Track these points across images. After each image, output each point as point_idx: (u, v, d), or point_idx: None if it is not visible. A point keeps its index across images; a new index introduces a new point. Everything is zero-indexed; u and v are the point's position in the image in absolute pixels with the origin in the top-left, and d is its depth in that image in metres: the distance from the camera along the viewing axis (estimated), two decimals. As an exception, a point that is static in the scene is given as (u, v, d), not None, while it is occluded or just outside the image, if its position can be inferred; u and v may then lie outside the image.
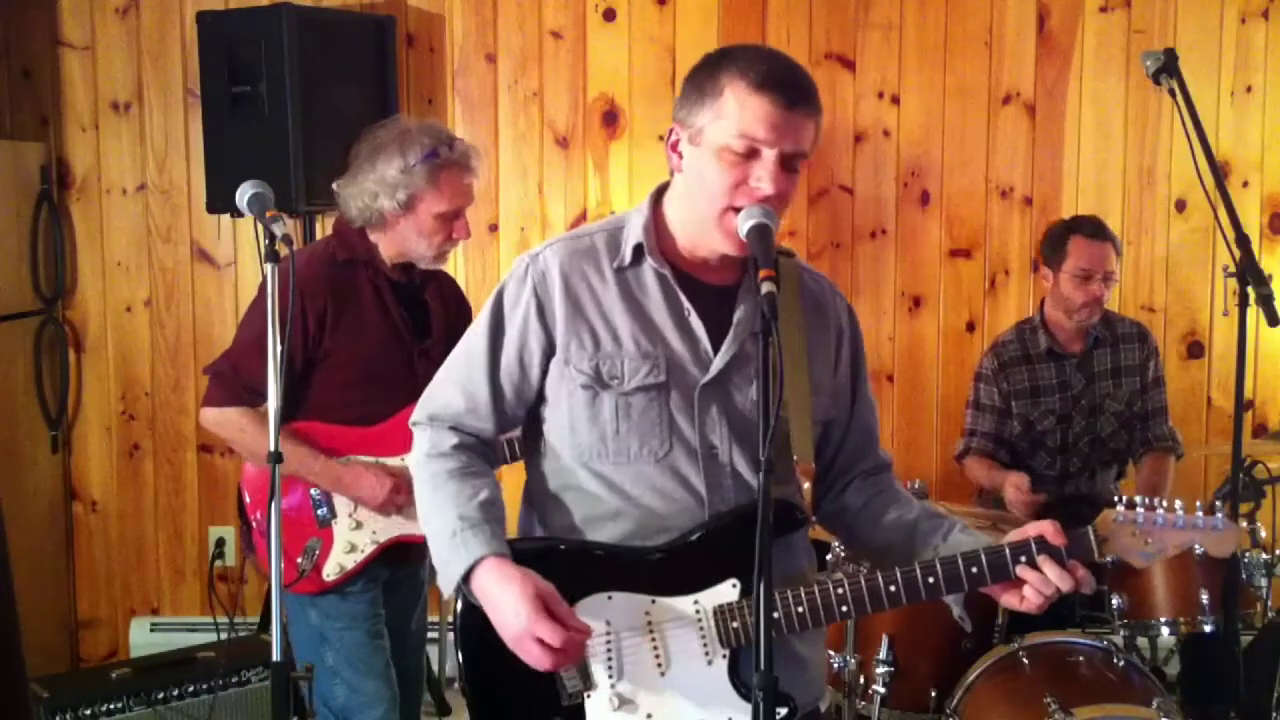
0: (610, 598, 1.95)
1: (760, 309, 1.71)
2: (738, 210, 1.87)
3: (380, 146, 2.94)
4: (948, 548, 1.99)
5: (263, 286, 2.95)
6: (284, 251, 2.42)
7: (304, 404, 2.96)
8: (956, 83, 4.36)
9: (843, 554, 3.16)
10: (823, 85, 4.25)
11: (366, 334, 2.97)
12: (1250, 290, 2.78)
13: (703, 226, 1.94)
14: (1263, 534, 3.28)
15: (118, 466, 4.58)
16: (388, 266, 3.02)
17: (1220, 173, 2.95)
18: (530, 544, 2.04)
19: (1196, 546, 3.14)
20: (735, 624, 1.94)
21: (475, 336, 2.05)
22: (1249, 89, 4.30)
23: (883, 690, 3.17)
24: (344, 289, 2.97)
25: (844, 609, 1.94)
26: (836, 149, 4.37)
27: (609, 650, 1.95)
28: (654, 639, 1.95)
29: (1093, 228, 3.82)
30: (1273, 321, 2.74)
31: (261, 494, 2.96)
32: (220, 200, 3.95)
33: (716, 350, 1.98)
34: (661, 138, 2.03)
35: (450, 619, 3.14)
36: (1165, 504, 1.99)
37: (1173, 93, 2.94)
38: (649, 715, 1.95)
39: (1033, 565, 1.91)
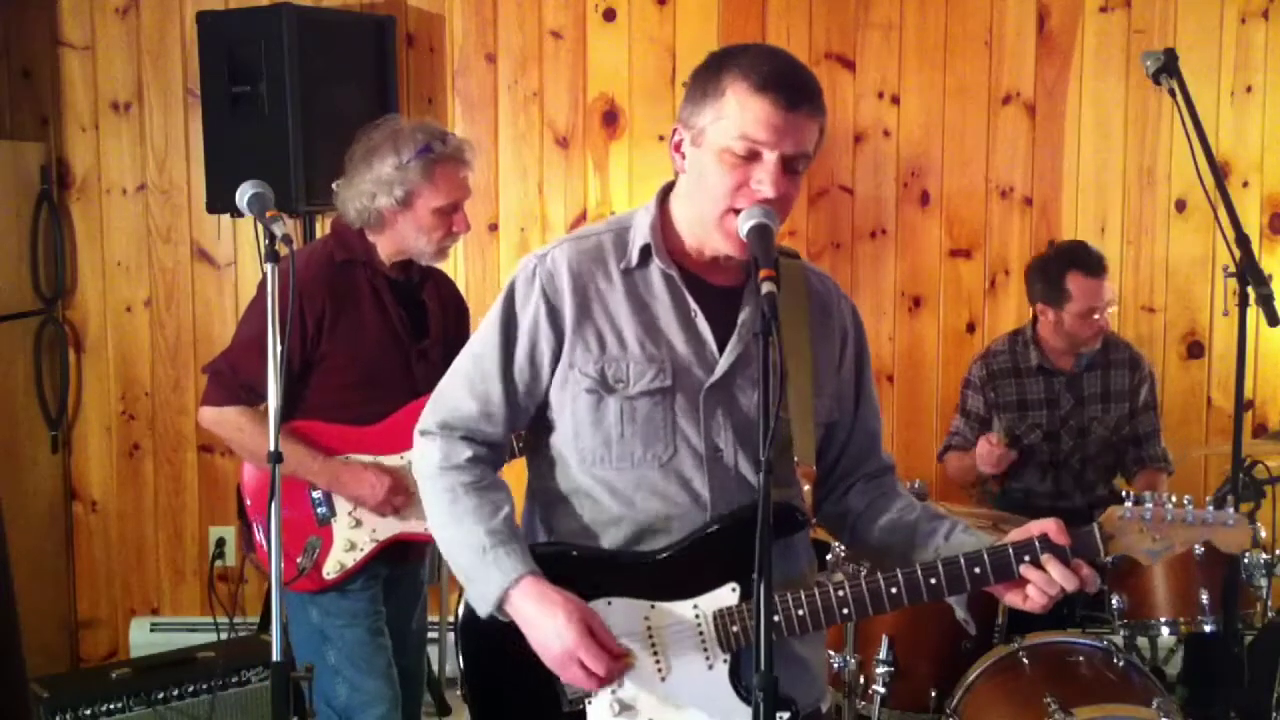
0: (610, 603, 1.94)
1: (760, 309, 1.70)
2: (739, 212, 1.86)
3: (374, 147, 2.95)
4: (949, 548, 1.97)
5: (262, 286, 2.96)
6: (284, 251, 2.42)
7: (302, 404, 2.96)
8: (956, 83, 4.36)
9: (843, 554, 3.17)
10: (823, 85, 4.27)
11: (364, 335, 2.97)
12: (1250, 290, 2.78)
13: (705, 226, 1.93)
14: (1263, 534, 3.28)
15: (118, 466, 4.58)
16: (386, 266, 3.02)
17: (1220, 173, 2.95)
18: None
19: (1197, 547, 3.19)
20: (735, 628, 1.93)
21: (485, 339, 2.01)
22: (1249, 89, 4.30)
23: (883, 690, 3.18)
24: (342, 289, 2.97)
25: (845, 611, 1.92)
26: (836, 149, 4.37)
27: None
28: (654, 644, 1.95)
29: (1089, 262, 3.76)
30: (1273, 321, 2.74)
31: (261, 494, 2.96)
32: (220, 200, 3.95)
33: (722, 352, 1.97)
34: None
35: (450, 619, 3.14)
36: (1174, 499, 1.96)
37: (1173, 93, 2.94)
38: None
39: (1036, 564, 1.89)
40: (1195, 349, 4.40)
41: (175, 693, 3.42)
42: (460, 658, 2.04)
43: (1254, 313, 2.80)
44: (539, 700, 1.97)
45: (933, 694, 3.20)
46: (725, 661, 1.94)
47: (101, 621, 4.63)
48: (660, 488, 1.96)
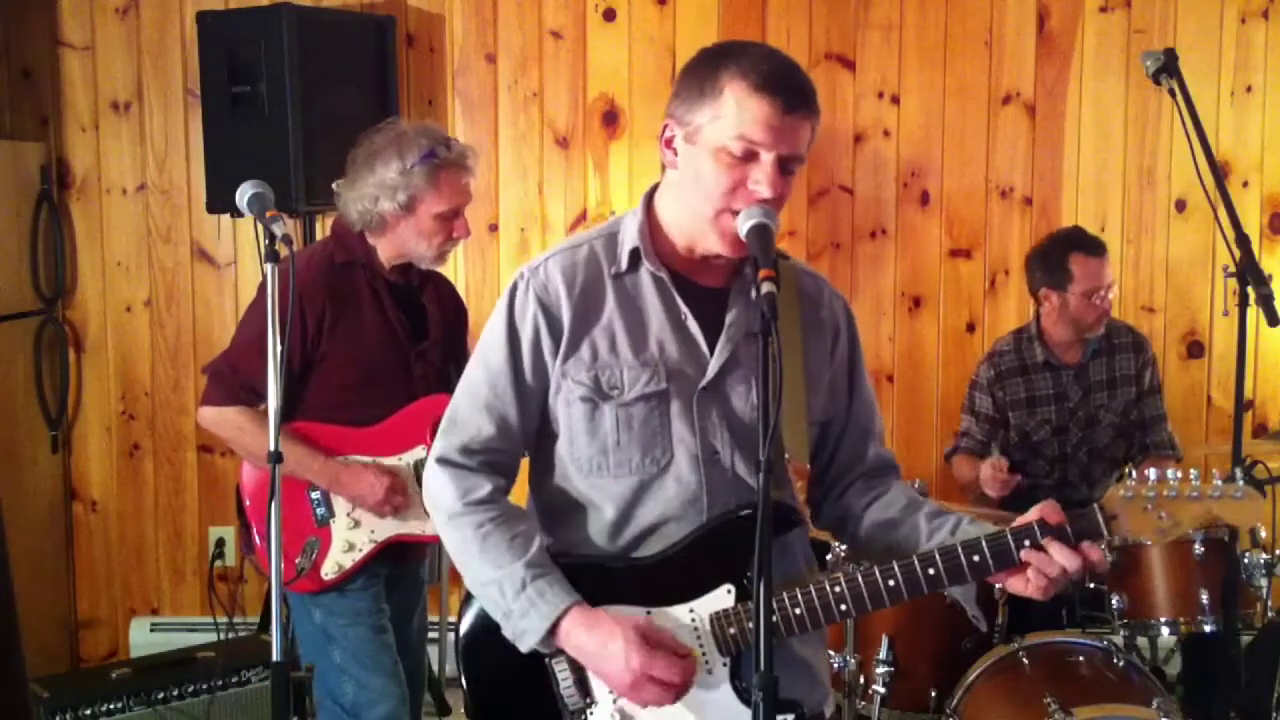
0: (605, 611, 1.93)
1: (760, 309, 1.69)
2: (735, 213, 1.85)
3: (377, 150, 2.95)
4: (953, 542, 1.93)
5: (262, 287, 2.96)
6: (284, 252, 2.42)
7: (301, 405, 2.96)
8: (956, 83, 4.36)
9: (844, 554, 3.16)
10: (823, 85, 4.27)
11: (364, 336, 2.97)
12: (1250, 290, 2.78)
13: (698, 225, 1.92)
14: (1263, 534, 3.28)
15: (118, 466, 4.58)
16: (385, 269, 3.03)
17: (1220, 173, 2.95)
18: None
19: (1197, 547, 3.19)
20: (733, 630, 1.91)
21: (492, 359, 1.98)
22: (1249, 89, 4.30)
23: (883, 690, 3.17)
24: (342, 291, 2.97)
25: (843, 608, 1.90)
26: (836, 149, 4.37)
27: None
28: None
29: (1089, 243, 3.82)
30: (1273, 321, 2.74)
31: (260, 494, 2.96)
32: (220, 200, 3.94)
33: (712, 354, 1.96)
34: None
35: (451, 619, 3.13)
36: (1178, 474, 1.85)
37: (1173, 93, 2.94)
38: None
39: (1037, 547, 1.85)
40: (1195, 349, 4.40)
41: (175, 693, 3.43)
42: (463, 678, 2.04)
43: (1254, 313, 2.80)
44: (540, 713, 1.96)
45: (933, 694, 3.20)
46: (725, 665, 1.93)
47: (101, 621, 4.63)
48: (659, 493, 1.95)
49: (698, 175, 1.89)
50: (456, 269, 4.41)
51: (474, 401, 1.99)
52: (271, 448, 2.37)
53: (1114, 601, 3.29)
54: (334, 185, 3.06)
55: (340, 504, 2.97)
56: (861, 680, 3.21)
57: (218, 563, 4.51)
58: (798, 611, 1.91)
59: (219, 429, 3.00)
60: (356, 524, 2.97)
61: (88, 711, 3.34)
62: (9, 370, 4.31)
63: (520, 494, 2.09)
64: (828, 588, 1.91)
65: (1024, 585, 1.88)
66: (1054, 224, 4.32)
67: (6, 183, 4.28)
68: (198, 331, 4.52)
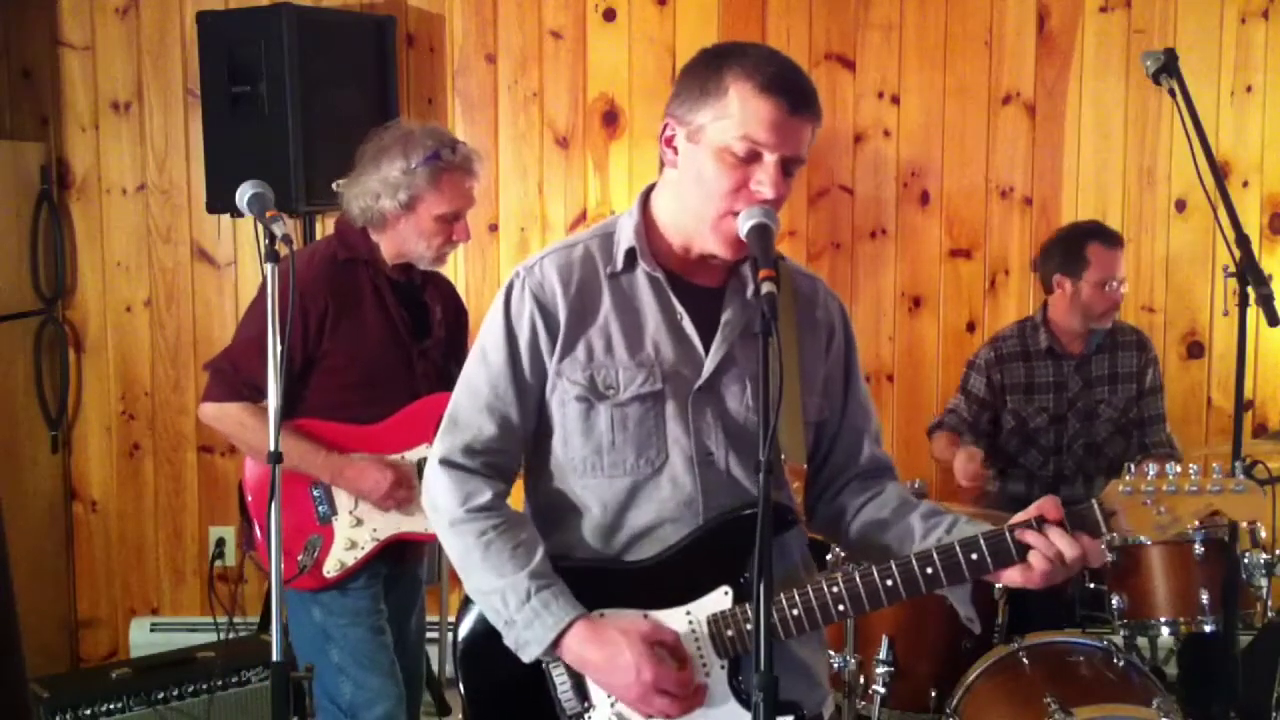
0: (602, 615, 1.93)
1: (760, 309, 1.69)
2: (736, 214, 1.85)
3: (384, 148, 2.97)
4: (949, 540, 1.92)
5: (264, 285, 2.96)
6: (284, 251, 2.42)
7: (303, 404, 2.96)
8: (956, 83, 4.36)
9: (843, 555, 3.16)
10: (823, 85, 4.28)
11: (366, 334, 2.98)
12: (1250, 290, 2.77)
13: (697, 225, 1.92)
14: (1263, 534, 3.28)
15: (118, 466, 4.58)
16: (388, 266, 3.03)
17: (1220, 173, 2.95)
18: None
19: (1198, 547, 3.19)
20: (730, 632, 1.91)
21: (490, 357, 1.98)
22: (1249, 89, 4.30)
23: (883, 690, 3.17)
24: (344, 289, 2.97)
25: (840, 608, 1.89)
26: (836, 149, 4.37)
27: None
28: None
29: (1108, 234, 3.86)
30: (1273, 321, 2.73)
31: (262, 490, 2.96)
32: (220, 200, 3.95)
33: (707, 354, 1.96)
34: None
35: (451, 619, 3.14)
36: (1177, 469, 1.83)
37: (1173, 93, 2.94)
38: None
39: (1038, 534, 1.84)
40: (1195, 349, 4.40)
41: (175, 693, 3.43)
42: (461, 682, 2.04)
43: (1254, 313, 2.80)
44: (539, 718, 1.96)
45: (933, 694, 3.20)
46: (722, 667, 1.92)
47: (101, 621, 4.63)
48: (653, 494, 1.95)
49: (699, 175, 1.89)
50: (456, 269, 4.41)
51: (475, 401, 1.98)
52: (271, 448, 2.36)
53: (1114, 601, 3.29)
54: (335, 185, 3.06)
55: (342, 502, 2.97)
56: (861, 680, 3.21)
57: (218, 563, 4.51)
58: (795, 612, 1.90)
59: (221, 425, 3.00)
60: (359, 522, 2.97)
61: (88, 711, 3.34)
62: (9, 370, 4.31)
63: (517, 495, 2.09)
64: (825, 588, 1.90)
65: (1020, 575, 1.85)
66: (1054, 224, 4.31)
67: (6, 183, 4.28)
68: (198, 331, 4.52)
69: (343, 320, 2.95)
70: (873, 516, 2.06)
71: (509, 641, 1.92)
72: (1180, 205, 4.35)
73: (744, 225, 1.83)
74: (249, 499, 3.02)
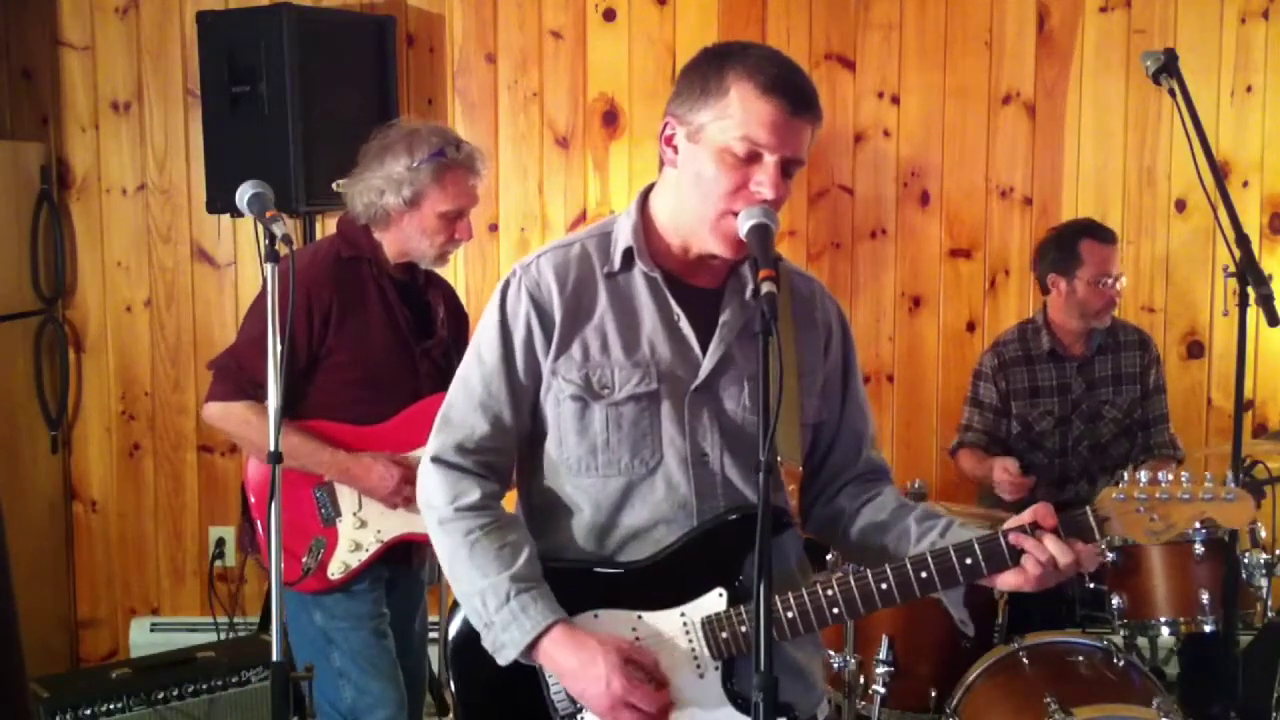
0: (596, 616, 1.93)
1: (760, 309, 1.69)
2: (736, 214, 1.85)
3: (389, 145, 2.98)
4: (944, 544, 1.92)
5: (266, 284, 2.96)
6: (284, 251, 2.42)
7: (307, 402, 2.96)
8: (956, 83, 4.36)
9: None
10: (823, 85, 4.27)
11: (370, 332, 2.98)
12: (1250, 290, 2.78)
13: (697, 225, 1.92)
14: (1263, 534, 3.28)
15: (118, 466, 4.58)
16: (391, 265, 3.03)
17: (1220, 173, 2.95)
18: None
19: (1197, 547, 3.19)
20: (725, 634, 1.91)
21: (484, 354, 1.98)
22: (1249, 89, 4.30)
23: (883, 690, 3.17)
24: (349, 286, 2.98)
25: (835, 611, 1.90)
26: (836, 149, 4.37)
27: None
28: None
29: (1102, 231, 3.86)
30: (1273, 321, 2.74)
31: (265, 493, 2.95)
32: (220, 200, 3.95)
33: (704, 355, 1.96)
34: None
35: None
36: (1169, 476, 1.86)
37: (1173, 93, 2.94)
38: None
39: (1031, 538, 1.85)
40: (1195, 349, 4.40)
41: (175, 693, 3.42)
42: (451, 681, 2.04)
43: (1254, 313, 2.80)
44: (532, 716, 1.96)
45: (933, 694, 3.20)
46: (716, 669, 1.92)
47: (101, 621, 4.63)
48: (647, 495, 1.95)
49: (699, 174, 1.88)
50: (456, 269, 4.41)
51: (469, 400, 1.98)
52: (272, 448, 2.36)
53: (1114, 601, 3.30)
54: (335, 185, 3.06)
55: (346, 503, 2.97)
56: (861, 680, 3.21)
57: (218, 563, 4.51)
58: (791, 615, 1.90)
59: (225, 424, 2.99)
60: (363, 524, 2.97)
61: (88, 711, 3.34)
62: (9, 370, 4.31)
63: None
64: (820, 592, 1.90)
65: (1014, 578, 1.86)
66: (1054, 224, 4.31)
67: (6, 183, 4.27)
68: (198, 331, 4.51)
69: (347, 317, 2.95)
70: (869, 519, 2.06)
71: (486, 643, 1.92)
72: (1180, 205, 4.35)
73: (744, 225, 1.83)
74: (251, 500, 3.02)
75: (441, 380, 2.98)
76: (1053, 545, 1.84)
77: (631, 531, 1.96)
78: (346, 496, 2.97)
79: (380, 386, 2.98)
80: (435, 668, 4.19)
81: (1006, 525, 1.89)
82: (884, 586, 1.88)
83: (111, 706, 3.36)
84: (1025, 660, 3.04)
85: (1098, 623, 3.45)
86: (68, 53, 4.46)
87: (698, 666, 1.93)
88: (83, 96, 4.47)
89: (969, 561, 1.86)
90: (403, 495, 2.93)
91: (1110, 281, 3.81)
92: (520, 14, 4.39)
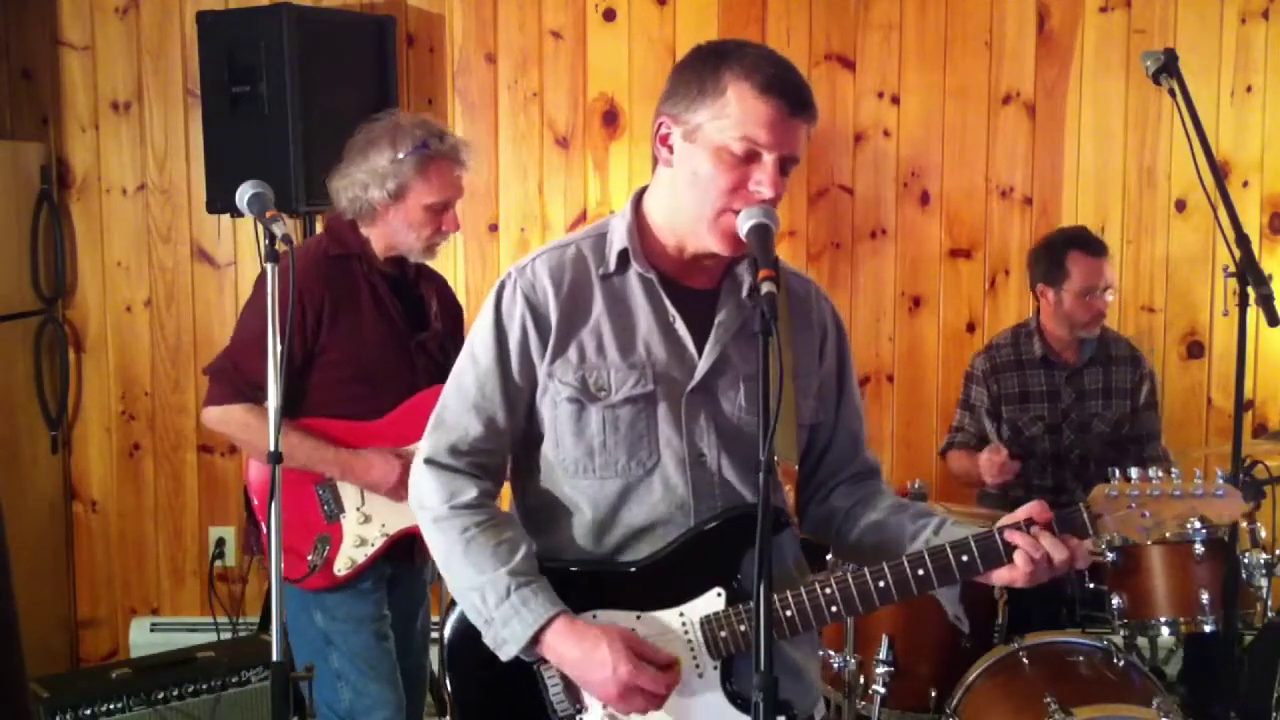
0: (595, 617, 1.93)
1: (760, 309, 1.69)
2: (735, 212, 1.85)
3: (373, 139, 2.97)
4: (939, 541, 1.93)
5: (259, 283, 2.96)
6: (284, 251, 2.42)
7: (304, 400, 2.96)
8: (956, 83, 4.36)
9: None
10: (823, 85, 4.28)
11: (364, 326, 2.98)
12: (1250, 290, 2.78)
13: (694, 224, 1.92)
14: (1263, 534, 3.28)
15: (118, 466, 4.58)
16: (380, 261, 3.03)
17: (1220, 173, 2.95)
18: None
19: (1197, 546, 3.19)
20: (724, 633, 1.91)
21: (478, 356, 1.98)
22: (1249, 89, 4.30)
23: (883, 690, 3.18)
24: (339, 283, 2.98)
25: (834, 609, 1.90)
26: (836, 149, 4.37)
27: None
28: None
29: (1090, 242, 3.84)
30: (1273, 321, 2.74)
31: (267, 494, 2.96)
32: (220, 200, 3.95)
33: (700, 356, 1.96)
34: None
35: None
36: (1160, 474, 1.90)
37: (1173, 93, 2.94)
38: None
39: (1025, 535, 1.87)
40: (1195, 349, 4.40)
41: (175, 693, 3.42)
42: (448, 682, 2.04)
43: (1254, 313, 2.80)
44: (529, 716, 1.96)
45: (933, 694, 3.20)
46: (715, 669, 1.92)
47: (101, 621, 4.63)
48: (644, 496, 1.95)
49: (696, 173, 1.89)
50: (456, 269, 4.42)
51: (462, 401, 1.98)
52: (271, 448, 2.36)
53: (1114, 601, 3.29)
54: (327, 180, 3.07)
55: (349, 499, 2.97)
56: (861, 680, 3.21)
57: (218, 563, 4.51)
58: (789, 614, 1.90)
59: (225, 427, 2.99)
60: (367, 519, 2.96)
61: (88, 711, 3.34)
62: (9, 370, 4.31)
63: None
64: (819, 589, 1.90)
65: (1009, 574, 1.88)
66: (1054, 224, 4.32)
67: (6, 183, 4.27)
68: (198, 331, 4.52)
69: (340, 314, 2.95)
70: (864, 519, 2.06)
71: (487, 639, 1.92)
72: (1180, 205, 4.35)
73: (744, 225, 1.83)
74: (255, 502, 3.02)
75: (438, 373, 2.99)
76: (1047, 541, 1.86)
77: (629, 532, 1.96)
78: (349, 492, 2.97)
79: (376, 382, 2.98)
80: (434, 667, 4.19)
81: (1001, 522, 1.90)
82: (881, 584, 1.89)
83: (111, 706, 3.36)
84: (1025, 660, 3.04)
85: (1098, 623, 3.45)
86: (68, 53, 4.46)
87: (696, 666, 1.93)
88: (83, 96, 4.47)
89: (965, 559, 1.87)
90: (405, 489, 2.92)
91: (1098, 294, 3.79)
92: (520, 14, 4.39)
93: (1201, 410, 4.42)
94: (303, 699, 2.99)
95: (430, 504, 1.98)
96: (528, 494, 2.04)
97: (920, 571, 1.88)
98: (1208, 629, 3.22)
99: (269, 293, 2.37)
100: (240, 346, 2.97)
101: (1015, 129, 4.37)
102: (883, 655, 3.17)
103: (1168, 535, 3.19)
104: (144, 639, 4.50)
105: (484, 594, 1.90)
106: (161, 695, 3.41)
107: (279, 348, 2.36)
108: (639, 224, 2.00)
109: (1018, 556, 1.86)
